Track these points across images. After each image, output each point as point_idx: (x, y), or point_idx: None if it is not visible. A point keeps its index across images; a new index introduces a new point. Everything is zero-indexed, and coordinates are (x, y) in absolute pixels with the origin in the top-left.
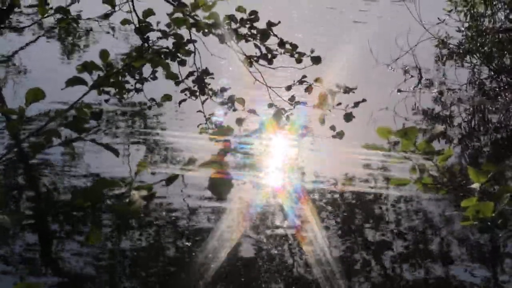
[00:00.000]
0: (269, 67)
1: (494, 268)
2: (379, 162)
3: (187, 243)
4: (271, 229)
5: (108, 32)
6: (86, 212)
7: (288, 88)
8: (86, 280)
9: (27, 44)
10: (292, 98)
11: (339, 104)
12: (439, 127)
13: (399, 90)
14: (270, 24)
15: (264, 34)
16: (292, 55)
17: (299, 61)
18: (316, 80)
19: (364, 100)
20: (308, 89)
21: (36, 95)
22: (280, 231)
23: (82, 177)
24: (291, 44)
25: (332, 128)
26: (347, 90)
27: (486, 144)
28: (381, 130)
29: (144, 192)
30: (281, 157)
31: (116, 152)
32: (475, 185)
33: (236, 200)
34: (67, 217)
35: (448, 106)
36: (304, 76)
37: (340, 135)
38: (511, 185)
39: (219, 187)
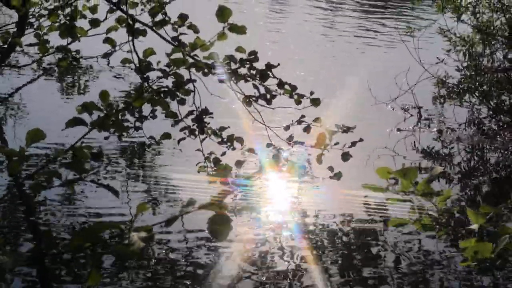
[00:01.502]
0: (268, 107)
1: None
2: (379, 201)
3: (186, 282)
4: (271, 268)
5: (108, 71)
6: (85, 253)
7: (287, 128)
8: None
9: (28, 83)
10: (290, 138)
11: (337, 143)
12: (438, 168)
13: (398, 129)
14: (269, 66)
15: (263, 75)
16: (291, 96)
17: (298, 102)
18: (315, 120)
19: (361, 140)
20: (307, 130)
21: (36, 135)
22: (279, 269)
23: (82, 217)
24: (290, 85)
25: (330, 169)
26: (346, 130)
27: (485, 183)
28: (381, 171)
29: (143, 234)
30: (280, 198)
31: (116, 193)
32: (474, 226)
33: (235, 240)
34: (67, 258)
35: (448, 145)
36: (303, 116)
37: (337, 176)
38: (509, 226)
39: (218, 229)
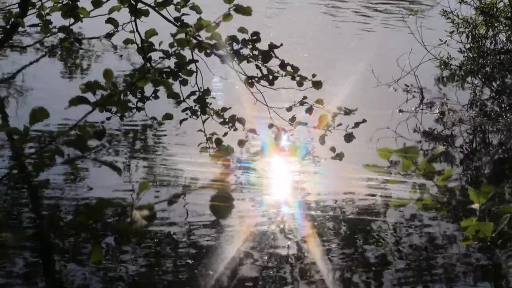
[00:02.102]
0: (270, 88)
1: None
2: (381, 182)
3: (188, 261)
4: (272, 248)
5: (111, 51)
6: (88, 231)
7: (289, 109)
8: None
9: (31, 63)
10: (293, 119)
11: (340, 124)
12: (440, 147)
13: (400, 111)
14: (272, 46)
15: (266, 56)
16: (293, 78)
17: (300, 84)
18: (317, 101)
19: (364, 121)
20: (309, 111)
21: (40, 115)
22: (281, 250)
23: (84, 196)
24: (292, 67)
25: (332, 149)
26: (348, 112)
27: (487, 164)
28: (382, 151)
29: (145, 212)
30: (282, 178)
31: (118, 171)
32: (475, 206)
33: (237, 220)
34: (69, 235)
35: (450, 127)
36: (305, 97)
37: (339, 156)
38: (511, 205)
39: (220, 208)
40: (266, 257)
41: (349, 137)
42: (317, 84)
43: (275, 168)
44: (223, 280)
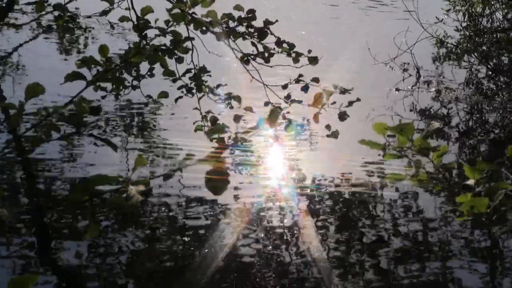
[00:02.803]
0: (266, 65)
1: (490, 263)
2: (377, 160)
3: (184, 239)
4: (268, 227)
5: (107, 31)
6: (84, 206)
7: (285, 86)
8: (83, 275)
9: (26, 42)
10: (288, 96)
11: (334, 103)
12: (435, 123)
13: (397, 89)
14: (267, 23)
15: (262, 33)
16: (289, 55)
17: (296, 60)
18: (313, 79)
19: (358, 100)
20: (305, 89)
21: (35, 90)
22: (277, 228)
23: (80, 172)
24: (288, 44)
25: (327, 127)
26: (343, 91)
27: (483, 142)
28: (377, 126)
29: (141, 187)
30: (278, 156)
31: (114, 147)
32: (470, 182)
33: (233, 197)
34: (65, 211)
35: (446, 105)
36: (301, 75)
37: (334, 134)
38: (505, 182)
39: (216, 183)
40: (261, 235)
41: (343, 116)
42: (313, 60)
43: (270, 145)
44: (218, 258)
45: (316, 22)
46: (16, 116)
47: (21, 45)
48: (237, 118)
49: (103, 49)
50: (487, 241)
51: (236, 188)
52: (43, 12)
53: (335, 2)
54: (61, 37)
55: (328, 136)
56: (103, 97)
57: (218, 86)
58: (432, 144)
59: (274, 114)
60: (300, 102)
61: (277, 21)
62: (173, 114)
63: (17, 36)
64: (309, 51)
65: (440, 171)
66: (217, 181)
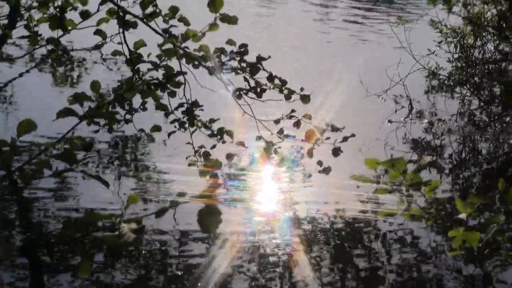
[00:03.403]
0: (258, 100)
1: None
2: (371, 192)
3: (177, 273)
4: (262, 260)
5: (100, 63)
6: (76, 244)
7: (277, 121)
8: None
9: (20, 75)
10: (280, 131)
11: (328, 138)
12: (427, 158)
13: (389, 121)
14: (259, 59)
15: (254, 68)
16: (281, 91)
17: (288, 97)
18: (305, 116)
19: (353, 135)
20: (297, 125)
21: (28, 126)
22: (271, 260)
23: (73, 208)
24: (280, 80)
25: (319, 163)
26: (335, 129)
27: (476, 174)
28: (369, 161)
29: (133, 225)
30: (271, 190)
31: (106, 184)
32: (462, 216)
33: (227, 231)
34: (58, 248)
35: (439, 137)
36: (293, 111)
37: (326, 171)
38: (497, 215)
39: (208, 222)
40: (255, 269)
41: (336, 152)
42: (305, 98)
43: (264, 180)
44: None
45: (309, 54)
46: (8, 153)
47: (14, 78)
48: (229, 157)
49: (95, 85)
50: (480, 274)
51: (229, 223)
52: (37, 46)
53: (327, 33)
54: (54, 70)
55: (320, 172)
56: (96, 131)
57: (211, 121)
58: (425, 176)
59: (267, 149)
60: (293, 137)
61: (269, 57)
62: (166, 147)
63: (11, 70)
64: (301, 89)
65: (432, 205)
66: (209, 219)
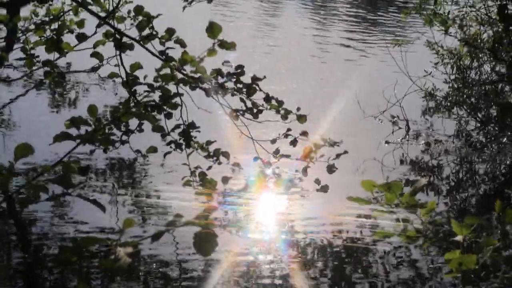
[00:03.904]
0: (255, 121)
1: None
2: (369, 213)
3: None
4: (260, 283)
5: (97, 85)
6: (73, 268)
7: (273, 141)
8: None
9: (17, 97)
10: (277, 151)
11: (322, 156)
12: (422, 180)
13: (387, 142)
14: (254, 79)
15: (250, 89)
16: (278, 112)
17: (285, 118)
18: (302, 133)
19: (346, 152)
20: (294, 144)
21: (25, 150)
22: (268, 283)
23: (70, 231)
24: (277, 100)
25: (317, 181)
26: (332, 144)
27: (473, 195)
28: (365, 184)
29: (129, 249)
30: (268, 212)
31: (102, 208)
32: (459, 238)
33: (224, 254)
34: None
35: (436, 157)
36: (289, 130)
37: (324, 189)
38: (493, 237)
39: (204, 245)
40: None
41: (331, 168)
42: (301, 118)
43: (261, 200)
44: None
45: (306, 76)
46: (5, 178)
47: (12, 100)
48: (225, 180)
49: (92, 110)
50: None
51: (226, 245)
52: (34, 68)
53: (323, 56)
54: (52, 92)
55: (318, 190)
56: (92, 152)
57: (208, 143)
58: (421, 197)
59: (263, 175)
60: (288, 156)
61: (264, 77)
62: (162, 168)
63: (8, 92)
64: (298, 109)
65: (428, 227)
66: (206, 242)
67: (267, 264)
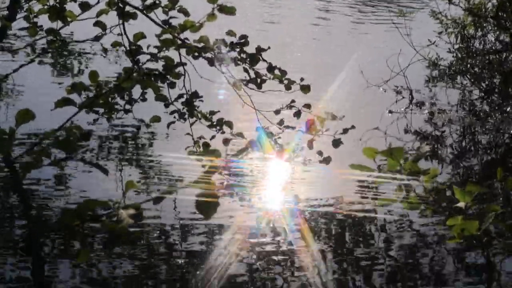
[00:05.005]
0: (259, 91)
1: (484, 284)
2: (371, 181)
3: (177, 262)
4: (263, 250)
5: (101, 55)
6: (76, 231)
7: (277, 112)
8: None
9: (21, 66)
10: (281, 122)
11: (328, 129)
12: (426, 147)
13: (390, 111)
14: (259, 50)
15: (253, 59)
16: (281, 82)
17: (288, 88)
18: (305, 105)
19: (353, 127)
20: (297, 115)
21: (26, 116)
22: (271, 249)
23: (72, 198)
24: (280, 70)
25: (320, 153)
26: (335, 118)
27: (476, 164)
28: (367, 151)
29: (131, 211)
30: (271, 179)
31: (105, 171)
32: (461, 204)
33: (227, 220)
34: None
35: (439, 127)
36: (293, 101)
37: (326, 160)
38: (495, 204)
39: (206, 207)
40: (256, 257)
41: (336, 143)
42: (305, 88)
43: (264, 169)
44: (213, 281)
45: (310, 46)
46: (7, 142)
47: (15, 70)
48: (226, 142)
49: (93, 75)
50: (480, 261)
51: (229, 211)
52: (37, 37)
53: (325, 23)
54: (55, 62)
55: (320, 162)
56: (95, 121)
57: (212, 113)
58: (426, 166)
59: (266, 138)
60: (293, 128)
61: (269, 48)
62: (166, 138)
63: (12, 61)
64: (302, 79)
65: (431, 194)
66: (207, 204)
67: (270, 230)
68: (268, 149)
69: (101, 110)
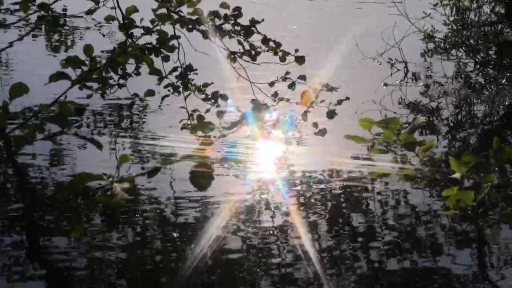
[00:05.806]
0: (253, 63)
1: (479, 255)
2: (366, 155)
3: (172, 234)
4: (257, 223)
5: (95, 30)
6: (70, 206)
7: (272, 84)
8: (72, 275)
9: (14, 41)
10: (275, 94)
11: (323, 101)
12: (421, 118)
13: (385, 84)
14: (253, 22)
15: (247, 31)
16: (276, 53)
17: (282, 59)
18: (300, 77)
19: (347, 98)
20: (292, 86)
21: (19, 89)
22: (266, 223)
23: (67, 171)
24: (274, 42)
25: (315, 125)
26: (330, 89)
27: (471, 136)
28: (363, 121)
29: (126, 185)
30: (265, 151)
31: (99, 145)
32: (456, 175)
33: (220, 193)
34: (52, 210)
35: (435, 99)
36: (288, 73)
37: (322, 132)
38: (491, 175)
39: (200, 179)
40: (251, 230)
41: (331, 114)
42: (300, 60)
43: (258, 142)
44: (208, 255)
45: (302, 20)
46: (1, 116)
47: (10, 44)
48: (220, 114)
49: (87, 49)
50: (474, 233)
51: (222, 184)
52: (30, 12)
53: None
54: (48, 36)
55: (316, 134)
56: (89, 96)
57: (205, 85)
58: (421, 138)
59: (257, 109)
60: (287, 100)
61: (263, 20)
62: (159, 111)
63: (5, 36)
64: (296, 50)
65: (426, 165)
66: (202, 176)
67: (264, 203)
68: (263, 123)
69: (95, 86)
